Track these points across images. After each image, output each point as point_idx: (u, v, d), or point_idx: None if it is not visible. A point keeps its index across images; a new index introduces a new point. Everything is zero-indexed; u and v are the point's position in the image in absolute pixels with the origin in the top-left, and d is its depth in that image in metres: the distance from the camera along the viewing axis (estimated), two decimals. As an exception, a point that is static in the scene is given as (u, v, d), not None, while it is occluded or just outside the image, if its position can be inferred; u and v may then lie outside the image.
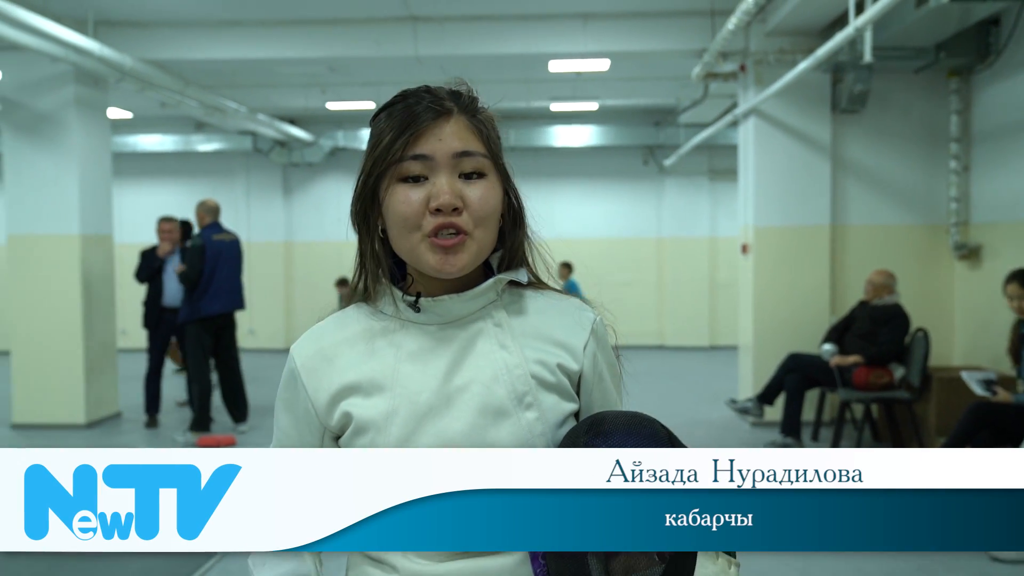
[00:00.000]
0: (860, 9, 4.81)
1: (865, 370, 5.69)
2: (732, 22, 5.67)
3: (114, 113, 7.62)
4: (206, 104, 8.57)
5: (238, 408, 6.70)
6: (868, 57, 4.90)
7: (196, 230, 6.57)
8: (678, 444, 1.07)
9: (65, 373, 6.94)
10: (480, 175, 1.13)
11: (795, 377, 5.98)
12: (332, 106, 10.36)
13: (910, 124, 6.74)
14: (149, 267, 6.65)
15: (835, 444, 5.95)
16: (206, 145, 11.61)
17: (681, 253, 11.77)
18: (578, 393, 1.20)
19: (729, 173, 11.25)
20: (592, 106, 10.85)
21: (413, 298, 1.15)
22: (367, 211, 1.17)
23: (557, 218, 11.46)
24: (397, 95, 1.17)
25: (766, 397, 6.14)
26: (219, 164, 12.05)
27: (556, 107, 10.74)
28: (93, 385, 7.07)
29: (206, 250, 6.25)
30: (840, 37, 4.87)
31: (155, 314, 6.69)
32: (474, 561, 1.09)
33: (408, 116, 1.12)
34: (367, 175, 1.15)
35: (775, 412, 6.24)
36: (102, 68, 6.58)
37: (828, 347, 5.87)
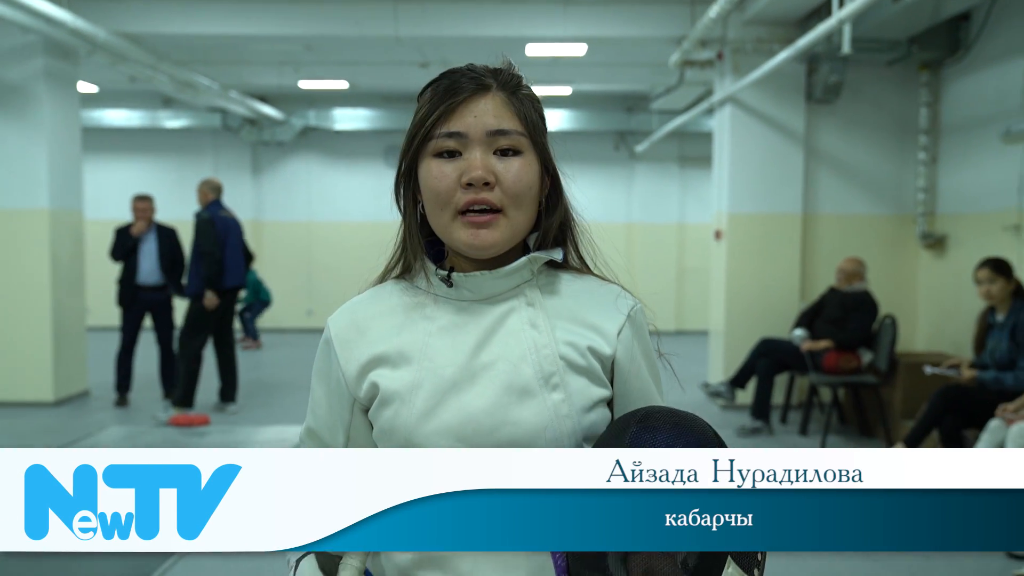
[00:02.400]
0: (842, 1, 4.90)
1: (835, 355, 5.84)
2: (714, 10, 5.73)
3: (80, 87, 7.48)
4: (178, 80, 8.45)
5: (234, 388, 6.71)
6: (847, 49, 5.00)
7: (198, 207, 6.56)
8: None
9: (33, 350, 6.85)
10: (515, 152, 1.12)
11: (766, 361, 6.11)
12: (305, 85, 10.27)
13: (881, 115, 6.89)
14: (124, 245, 6.58)
15: (803, 427, 6.10)
16: (174, 122, 11.45)
17: (650, 239, 11.89)
18: (612, 381, 1.18)
19: (699, 160, 11.38)
20: (565, 91, 10.89)
21: (446, 272, 1.15)
22: (408, 187, 1.18)
23: (528, 202, 11.51)
24: (444, 73, 1.17)
25: (738, 381, 6.27)
26: (187, 141, 11.88)
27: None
28: (61, 362, 6.98)
29: (216, 224, 6.27)
30: (823, 28, 4.96)
31: (129, 292, 6.62)
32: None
33: (446, 92, 1.12)
34: (405, 151, 1.16)
35: (745, 396, 6.38)
36: (73, 40, 6.47)
37: (799, 332, 6.00)
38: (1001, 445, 4.14)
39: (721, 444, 1.04)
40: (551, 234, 1.19)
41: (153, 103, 11.40)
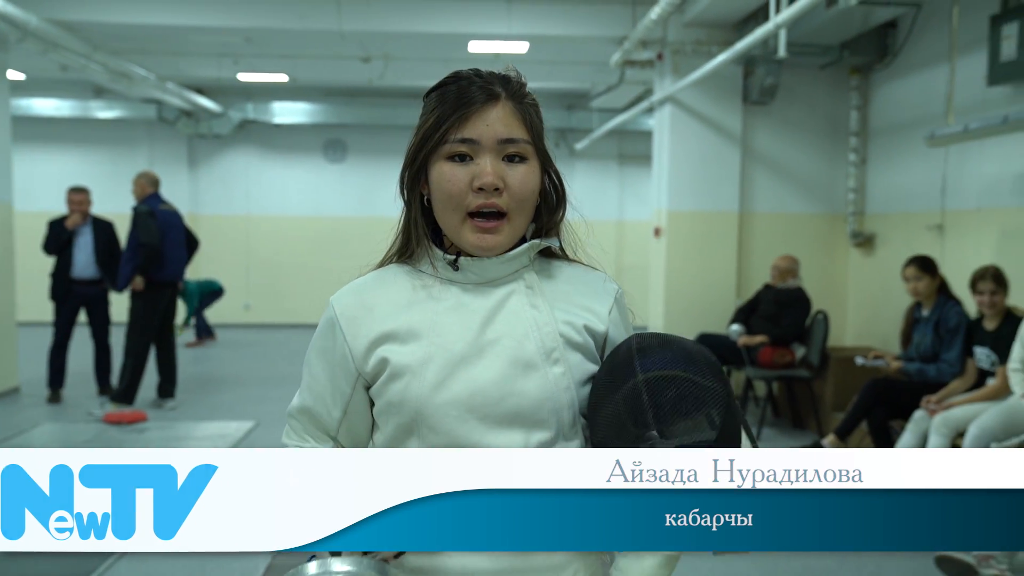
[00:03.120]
0: (778, 7, 5.06)
1: (770, 350, 6.02)
2: (656, 11, 5.86)
3: (8, 74, 7.28)
4: (112, 70, 8.26)
5: (173, 383, 6.63)
6: (782, 52, 5.16)
7: (135, 202, 6.44)
8: (717, 368, 1.19)
9: (-39, 345, 6.66)
10: (522, 159, 1.22)
11: (704, 356, 6.25)
12: (244, 77, 10.13)
13: (814, 117, 7.11)
14: (58, 238, 6.43)
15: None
16: (106, 112, 11.17)
17: (589, 236, 12.01)
18: (601, 356, 1.30)
19: (638, 158, 11.55)
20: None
21: (453, 257, 1.24)
22: (415, 181, 1.26)
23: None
24: (450, 76, 1.26)
25: (676, 375, 6.40)
26: (120, 132, 11.62)
27: (471, 87, 10.79)
28: (-9, 358, 6.80)
29: (156, 217, 6.19)
30: (760, 32, 5.11)
31: (63, 286, 6.47)
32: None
33: (459, 99, 1.20)
34: (417, 150, 1.23)
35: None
36: (3, 26, 6.29)
37: (736, 327, 6.17)
38: (925, 435, 4.34)
39: (713, 358, 1.20)
40: (555, 228, 1.31)
41: (84, 93, 11.11)
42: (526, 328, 1.23)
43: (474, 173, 1.19)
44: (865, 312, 6.97)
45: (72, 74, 9.07)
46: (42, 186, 10.84)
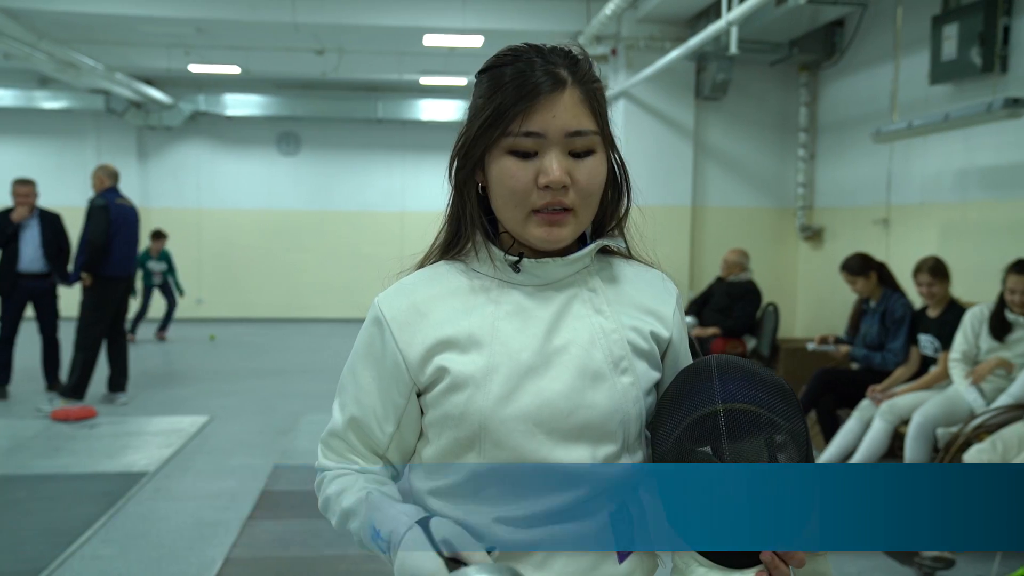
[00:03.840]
0: (730, 5, 5.15)
1: (722, 341, 6.13)
2: (610, 7, 5.91)
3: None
4: (58, 59, 8.09)
5: (124, 377, 6.57)
6: (734, 49, 5.25)
7: (92, 194, 6.36)
8: (789, 393, 1.12)
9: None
10: (589, 152, 1.11)
11: (658, 348, 6.35)
12: (195, 68, 9.98)
13: (764, 113, 7.23)
14: (3, 231, 6.29)
15: (692, 410, 6.38)
16: (52, 103, 10.92)
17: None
18: (663, 362, 1.22)
19: (592, 153, 11.61)
20: (461, 81, 10.94)
21: (516, 258, 1.14)
22: (470, 171, 1.14)
23: (424, 191, 11.54)
24: (507, 52, 1.12)
25: (630, 366, 6.49)
26: (67, 123, 11.36)
27: (426, 81, 10.77)
28: (-67, 354, 6.62)
29: (111, 211, 6.13)
30: (712, 29, 5.19)
31: (10, 280, 6.34)
32: (560, 527, 1.12)
33: (521, 85, 1.08)
34: (474, 139, 1.11)
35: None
36: (-55, 14, 6.14)
37: (689, 319, 6.27)
38: (869, 422, 4.47)
39: (788, 384, 1.13)
40: (618, 222, 1.21)
41: (28, 82, 10.86)
42: (592, 335, 1.15)
43: (539, 169, 1.08)
44: (814, 304, 7.12)
45: (16, 63, 8.85)
46: (-16, 178, 10.57)
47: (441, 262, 1.20)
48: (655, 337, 1.20)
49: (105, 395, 6.55)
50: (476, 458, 1.12)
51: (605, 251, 1.24)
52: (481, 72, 1.14)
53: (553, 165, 1.08)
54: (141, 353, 8.88)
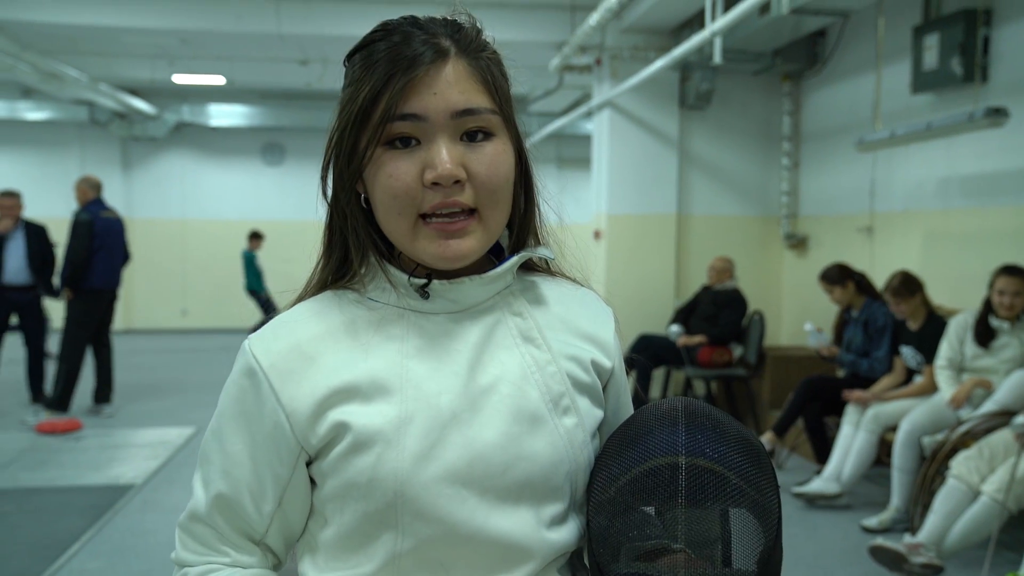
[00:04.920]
0: (714, 15, 5.19)
1: (708, 349, 6.15)
2: (595, 18, 5.95)
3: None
4: (42, 70, 8.06)
5: (110, 388, 6.57)
6: (718, 59, 5.29)
7: (77, 206, 6.38)
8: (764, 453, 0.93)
9: None
10: (487, 135, 0.90)
11: (645, 356, 6.37)
12: (179, 79, 9.96)
13: (748, 122, 7.28)
14: (-13, 243, 6.25)
15: (679, 418, 6.39)
16: (36, 113, 10.88)
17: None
18: (604, 396, 1.02)
19: (577, 162, 11.67)
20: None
21: (423, 281, 0.92)
22: (346, 176, 0.92)
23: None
24: (378, 28, 0.92)
25: (618, 375, 6.50)
26: (50, 134, 11.32)
27: (411, 90, 10.79)
28: (-85, 368, 6.57)
29: (95, 225, 6.15)
30: (696, 39, 5.23)
31: (-7, 292, 6.30)
32: None
33: (393, 60, 0.87)
34: (340, 135, 0.91)
35: (625, 389, 6.62)
36: (-73, 26, 6.11)
37: (675, 328, 6.29)
38: (857, 427, 4.50)
39: (768, 460, 0.93)
40: (532, 227, 1.00)
41: (12, 93, 10.80)
42: (524, 368, 0.94)
43: (424, 162, 0.87)
44: (799, 311, 7.16)
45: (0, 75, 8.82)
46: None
47: (326, 293, 0.97)
48: (596, 367, 0.99)
49: (91, 407, 6.51)
50: (393, 538, 0.89)
51: (524, 268, 1.03)
52: (350, 55, 0.94)
53: (442, 156, 0.86)
54: (128, 363, 8.83)
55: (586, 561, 0.98)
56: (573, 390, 0.96)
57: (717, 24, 4.90)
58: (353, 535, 0.91)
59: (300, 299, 0.99)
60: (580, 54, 7.04)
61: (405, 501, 0.87)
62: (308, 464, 0.92)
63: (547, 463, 0.92)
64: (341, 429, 0.89)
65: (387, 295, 0.94)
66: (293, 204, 11.87)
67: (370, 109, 0.87)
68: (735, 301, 6.27)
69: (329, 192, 0.97)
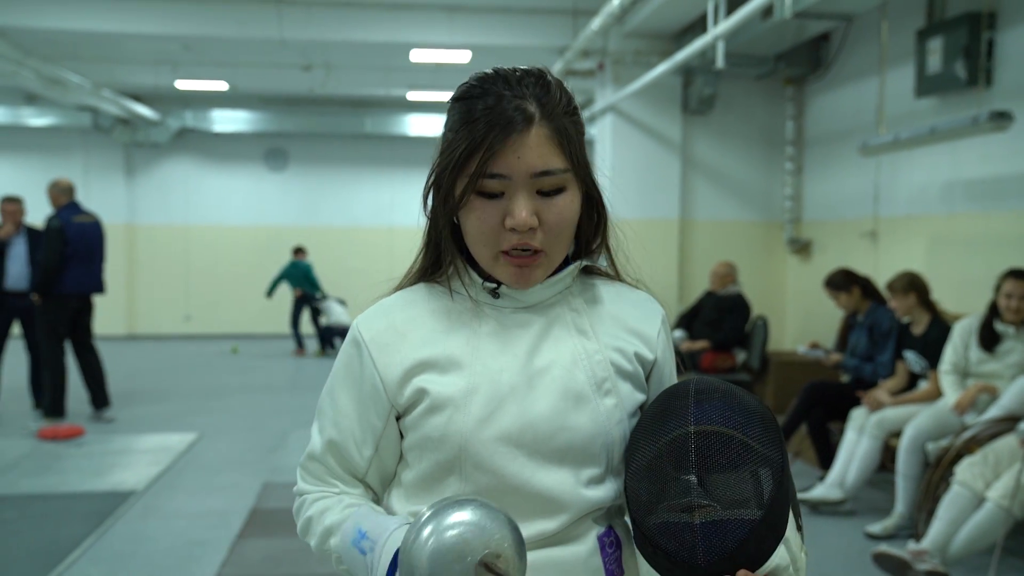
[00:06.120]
0: (716, 19, 5.18)
1: (711, 354, 6.13)
2: (597, 22, 5.94)
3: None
4: (45, 76, 8.07)
5: (103, 392, 6.48)
6: (720, 63, 5.28)
7: (51, 211, 6.27)
8: (771, 422, 1.07)
9: None
10: (558, 191, 1.08)
11: (648, 361, 6.35)
12: (182, 85, 9.98)
13: (751, 127, 7.27)
14: (-11, 249, 6.25)
15: (682, 424, 6.37)
16: (39, 120, 10.90)
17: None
18: (647, 382, 1.21)
19: (580, 167, 11.64)
20: (449, 96, 10.96)
21: (493, 286, 1.14)
22: (442, 205, 1.13)
23: (412, 206, 11.49)
24: (475, 83, 1.10)
25: (621, 380, 6.48)
26: (53, 140, 11.34)
27: (413, 96, 10.79)
28: (-83, 373, 6.56)
29: (65, 231, 6.02)
30: (699, 43, 5.22)
31: (-5, 297, 6.30)
32: (546, 552, 1.11)
33: (488, 124, 1.05)
34: (439, 174, 1.11)
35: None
36: (-70, 32, 6.12)
37: (678, 334, 6.27)
38: (861, 432, 4.47)
39: (770, 412, 1.08)
40: (600, 245, 1.21)
41: (15, 99, 10.83)
42: (575, 356, 1.14)
43: (506, 211, 1.06)
44: (803, 316, 7.14)
45: (3, 80, 8.82)
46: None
47: (419, 284, 1.20)
48: (639, 358, 1.18)
49: (91, 413, 6.49)
50: (457, 482, 1.10)
51: (588, 272, 1.23)
52: (453, 99, 1.12)
53: (519, 208, 1.06)
54: (130, 368, 8.83)
55: (626, 519, 1.18)
56: (616, 376, 1.15)
57: (720, 28, 4.89)
58: (427, 478, 1.13)
59: (399, 287, 1.22)
60: (582, 59, 7.04)
61: (467, 455, 1.09)
62: (398, 419, 1.14)
63: (587, 434, 1.11)
64: (422, 394, 1.11)
65: (467, 290, 1.16)
66: (296, 209, 11.88)
67: (466, 162, 1.06)
68: (738, 306, 6.25)
69: (428, 208, 1.17)
